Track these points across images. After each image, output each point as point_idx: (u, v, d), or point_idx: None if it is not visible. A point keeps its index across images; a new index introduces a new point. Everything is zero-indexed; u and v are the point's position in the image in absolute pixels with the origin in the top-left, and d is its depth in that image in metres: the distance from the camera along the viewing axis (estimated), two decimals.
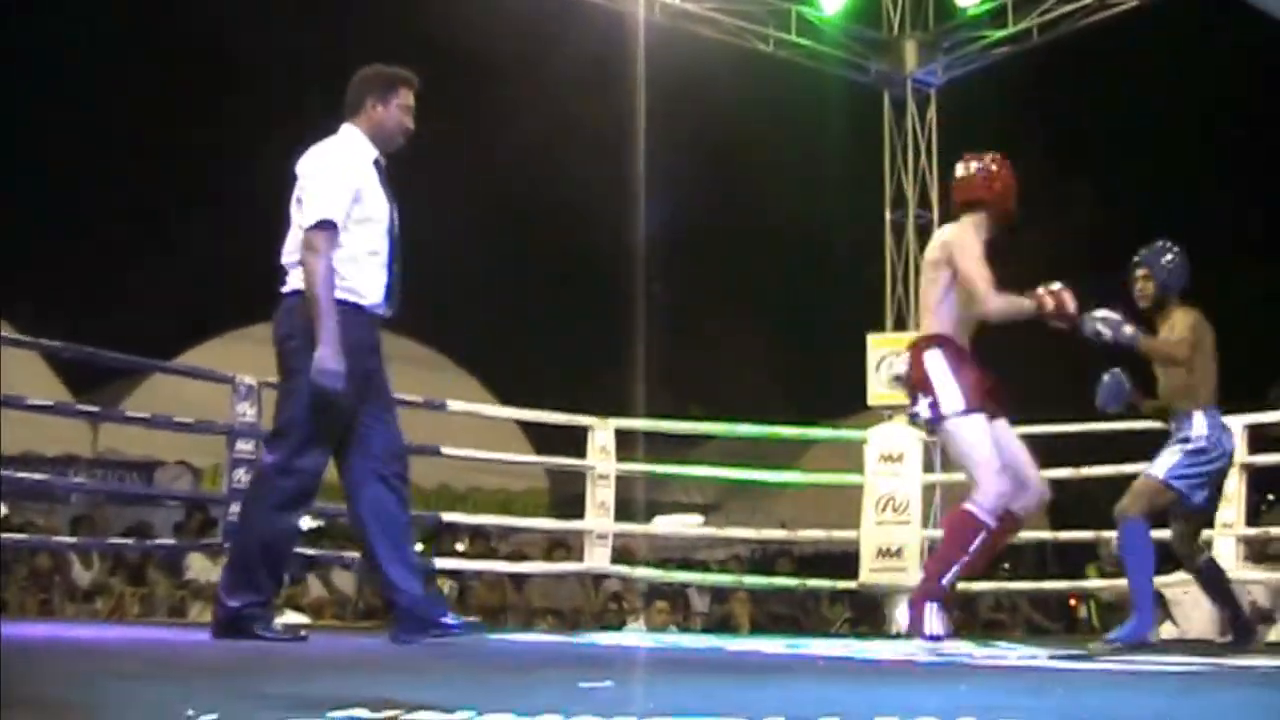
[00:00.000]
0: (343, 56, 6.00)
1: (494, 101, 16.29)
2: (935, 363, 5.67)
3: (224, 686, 2.99)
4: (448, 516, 9.63)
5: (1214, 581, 6.50)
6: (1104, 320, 5.94)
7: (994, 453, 5.57)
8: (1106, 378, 6.38)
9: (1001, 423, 5.74)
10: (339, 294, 4.83)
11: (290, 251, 4.95)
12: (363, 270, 4.91)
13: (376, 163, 5.04)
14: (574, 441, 8.92)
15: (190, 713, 2.19)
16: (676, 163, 15.12)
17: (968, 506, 5.58)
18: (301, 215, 4.89)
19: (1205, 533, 7.74)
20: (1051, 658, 5.08)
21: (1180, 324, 6.11)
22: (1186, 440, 6.06)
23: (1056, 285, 5.74)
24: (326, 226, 4.82)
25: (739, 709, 2.37)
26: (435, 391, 9.08)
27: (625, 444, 9.22)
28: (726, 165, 16.67)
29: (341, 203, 4.87)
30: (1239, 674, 3.96)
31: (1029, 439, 9.19)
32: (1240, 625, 6.47)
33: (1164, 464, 6.07)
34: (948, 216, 10.81)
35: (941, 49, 11.19)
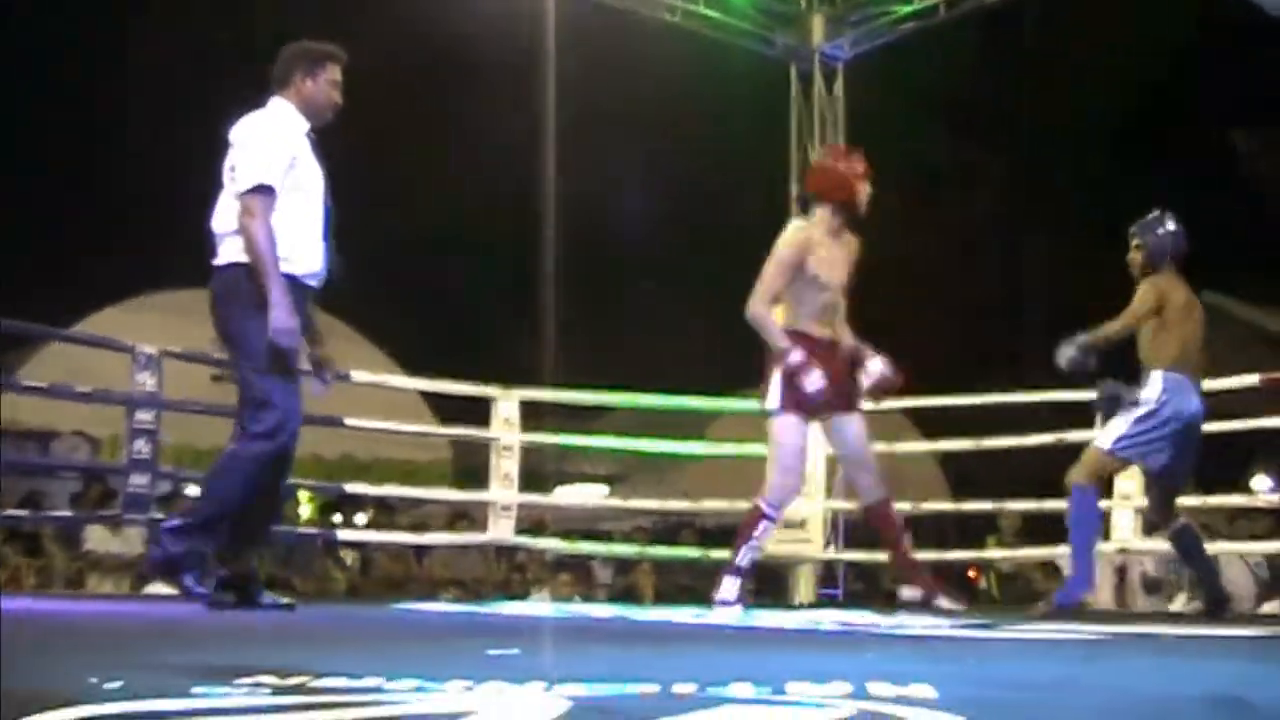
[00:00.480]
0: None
1: (397, 71, 16.12)
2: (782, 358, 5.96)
3: (127, 657, 2.94)
4: (350, 487, 9.54)
5: (1187, 549, 6.48)
6: (1064, 352, 6.17)
7: (793, 456, 6.06)
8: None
9: (843, 418, 6.06)
10: (288, 266, 4.86)
11: (224, 220, 4.94)
12: (296, 239, 4.90)
13: (308, 135, 5.05)
14: (479, 412, 8.87)
15: (93, 680, 2.15)
16: (584, 133, 15.07)
17: (758, 502, 6.13)
18: (236, 182, 4.88)
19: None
20: (955, 626, 5.13)
21: (1139, 292, 6.13)
22: (1137, 403, 6.06)
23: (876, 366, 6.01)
24: (263, 191, 4.82)
25: (651, 675, 2.37)
26: (339, 361, 8.95)
27: (531, 414, 9.19)
28: (634, 136, 16.64)
29: (277, 169, 4.87)
30: (1141, 641, 4.03)
31: (930, 411, 9.42)
32: (1213, 596, 6.39)
33: (1111, 432, 6.13)
34: None
35: (849, 23, 11.22)
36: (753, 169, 13.14)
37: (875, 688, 2.21)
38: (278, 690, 2.15)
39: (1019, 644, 3.80)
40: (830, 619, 5.94)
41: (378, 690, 2.18)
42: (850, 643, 4.04)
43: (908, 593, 6.28)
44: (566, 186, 12.89)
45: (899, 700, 2.09)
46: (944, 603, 6.15)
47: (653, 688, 2.24)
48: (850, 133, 11.18)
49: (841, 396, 5.99)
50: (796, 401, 5.91)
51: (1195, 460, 6.23)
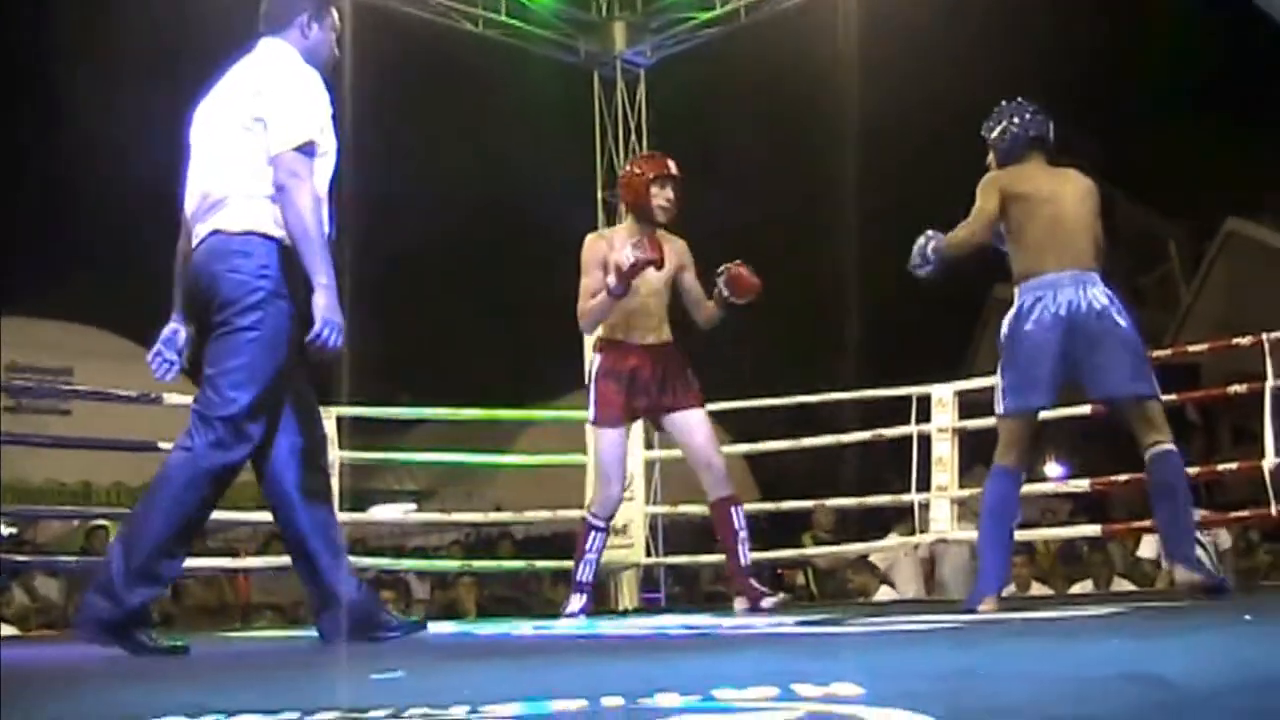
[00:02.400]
0: None
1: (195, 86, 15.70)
2: (592, 370, 6.20)
3: (31, 701, 2.77)
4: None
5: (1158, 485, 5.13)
6: (915, 249, 5.33)
7: (612, 465, 6.11)
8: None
9: (678, 416, 6.09)
10: (279, 233, 4.16)
11: (228, 179, 4.22)
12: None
13: None
14: None
15: None
16: (385, 145, 14.88)
17: (585, 515, 6.36)
18: (269, 136, 4.15)
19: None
20: (799, 624, 5.19)
21: (977, 193, 5.28)
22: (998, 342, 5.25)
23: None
24: (307, 150, 4.14)
25: (567, 691, 2.34)
26: (152, 385, 8.69)
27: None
28: (437, 147, 16.51)
29: (318, 124, 4.21)
30: (1002, 626, 4.12)
31: (747, 413, 9.52)
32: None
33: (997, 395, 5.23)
34: None
35: (650, 29, 11.30)
36: (560, 177, 13.15)
37: (801, 689, 2.21)
38: None
39: (889, 636, 3.86)
40: (674, 624, 5.95)
41: None
42: (723, 646, 4.05)
43: (739, 603, 6.18)
44: (368, 200, 12.71)
45: (829, 699, 2.10)
46: (767, 604, 6.09)
47: (580, 703, 2.22)
48: (653, 138, 11.26)
49: (672, 395, 6.06)
50: (610, 414, 6.05)
51: (1120, 360, 4.99)
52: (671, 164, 6.10)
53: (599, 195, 11.33)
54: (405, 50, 11.74)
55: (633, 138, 11.29)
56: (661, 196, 5.98)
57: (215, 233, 4.19)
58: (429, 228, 17.58)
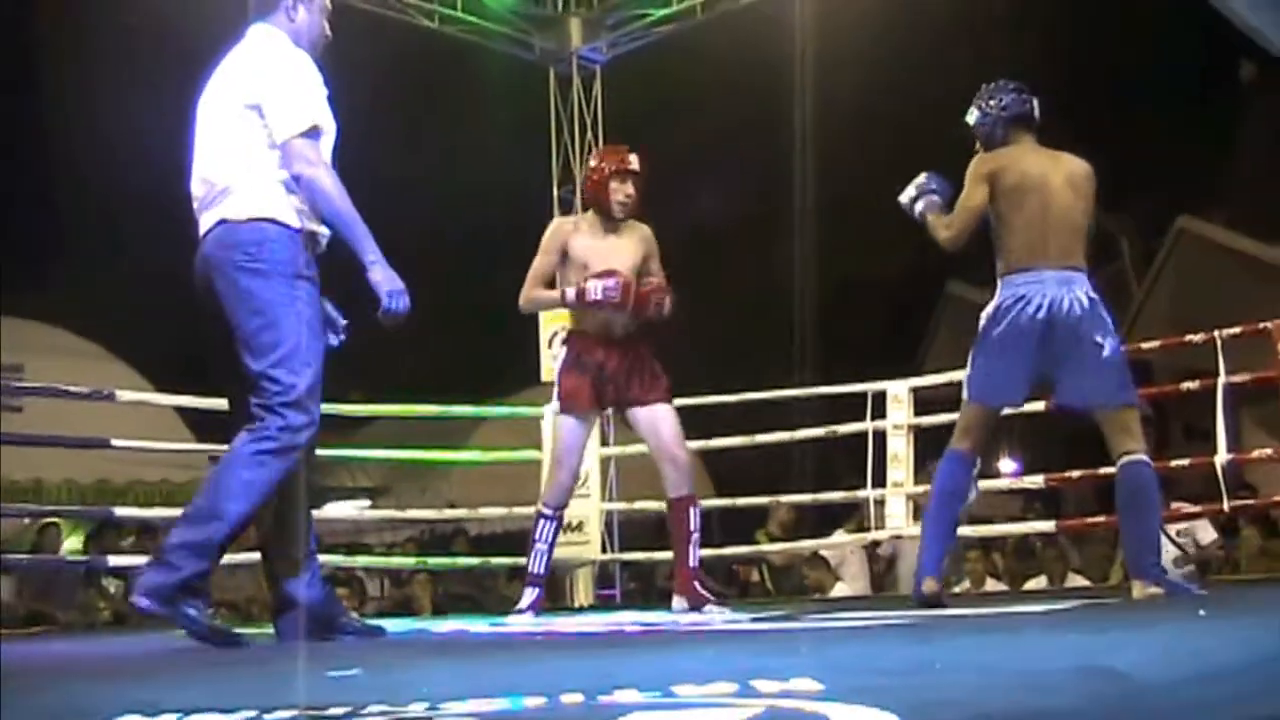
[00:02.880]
0: None
1: (135, 82, 15.58)
2: (558, 359, 6.22)
3: None
4: (120, 511, 9.22)
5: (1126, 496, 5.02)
6: (917, 187, 5.31)
7: (566, 453, 6.10)
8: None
9: (643, 410, 6.03)
10: (289, 218, 4.16)
11: (233, 170, 4.19)
12: None
13: None
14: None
15: None
16: (339, 142, 14.81)
17: (538, 506, 6.27)
18: (272, 124, 4.13)
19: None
20: (755, 620, 5.21)
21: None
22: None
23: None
24: (314, 134, 4.15)
25: (524, 688, 2.33)
26: (97, 382, 8.63)
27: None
28: (392, 143, 16.43)
29: (320, 107, 4.20)
30: (957, 622, 4.15)
31: (703, 409, 9.54)
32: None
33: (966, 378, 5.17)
34: None
35: (606, 26, 11.29)
36: (516, 174, 13.14)
37: (760, 684, 2.22)
38: None
39: (846, 632, 3.87)
40: (630, 620, 5.96)
41: None
42: (681, 642, 4.06)
43: (677, 602, 6.06)
44: None
45: (786, 694, 2.11)
46: (712, 609, 5.91)
47: (539, 699, 2.21)
48: (609, 135, 11.25)
49: (639, 389, 6.02)
50: (572, 402, 6.03)
51: (1100, 366, 4.91)
52: (633, 158, 6.03)
53: (555, 192, 11.32)
54: (361, 47, 11.67)
55: (588, 134, 11.29)
56: (621, 192, 5.94)
57: (222, 222, 4.17)
58: (383, 224, 17.48)
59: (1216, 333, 7.13)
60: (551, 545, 6.22)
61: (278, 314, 4.11)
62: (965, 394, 5.10)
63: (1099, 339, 4.88)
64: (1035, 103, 5.21)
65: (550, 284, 5.97)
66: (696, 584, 6.03)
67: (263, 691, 2.65)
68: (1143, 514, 4.91)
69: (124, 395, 8.26)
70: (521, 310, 6.18)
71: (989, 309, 5.02)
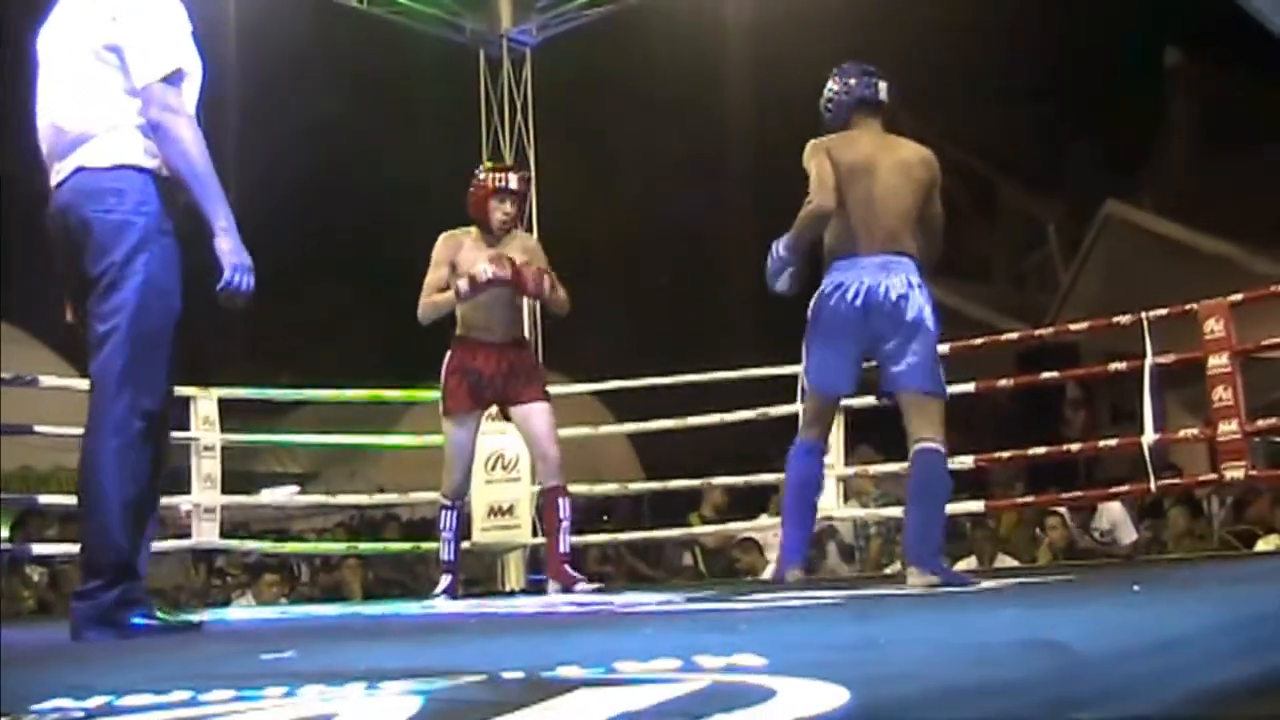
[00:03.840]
0: None
1: None
2: (445, 365, 6.65)
3: None
4: (45, 499, 9.06)
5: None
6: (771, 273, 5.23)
7: (455, 454, 6.61)
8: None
9: (522, 409, 6.56)
10: (154, 165, 3.86)
11: (89, 113, 3.88)
12: None
13: None
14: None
15: None
16: (267, 127, 14.65)
17: (439, 499, 6.81)
18: (133, 66, 3.83)
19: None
20: (690, 600, 5.20)
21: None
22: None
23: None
24: (176, 79, 3.83)
25: (465, 665, 2.30)
26: (19, 368, 8.48)
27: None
28: (320, 127, 16.28)
29: (185, 49, 3.90)
30: (898, 600, 4.15)
31: (634, 393, 9.52)
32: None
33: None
34: (542, 175, 10.99)
35: (536, 8, 11.20)
36: (444, 157, 13.03)
37: (703, 660, 2.19)
38: (93, 713, 2.00)
39: (785, 611, 3.85)
40: (562, 602, 5.97)
41: (194, 703, 2.04)
42: (618, 622, 4.03)
43: (551, 586, 6.53)
44: (246, 180, 12.50)
45: (731, 669, 2.08)
46: (580, 588, 6.55)
47: (480, 676, 2.18)
48: (540, 118, 11.19)
49: (516, 388, 6.51)
50: (453, 404, 6.54)
51: (908, 352, 4.89)
52: (513, 177, 6.52)
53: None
54: (285, 26, 11.55)
55: (519, 117, 11.21)
56: (500, 210, 6.39)
57: (80, 169, 3.87)
58: (309, 208, 17.37)
59: (1143, 315, 7.20)
60: (456, 532, 6.78)
61: (132, 274, 3.81)
62: (805, 384, 5.17)
63: (911, 323, 4.86)
64: (882, 85, 5.17)
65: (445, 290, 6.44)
66: (566, 567, 6.63)
67: (196, 673, 2.60)
68: (929, 504, 4.91)
69: (47, 380, 8.13)
70: (422, 320, 6.57)
71: (815, 296, 5.02)
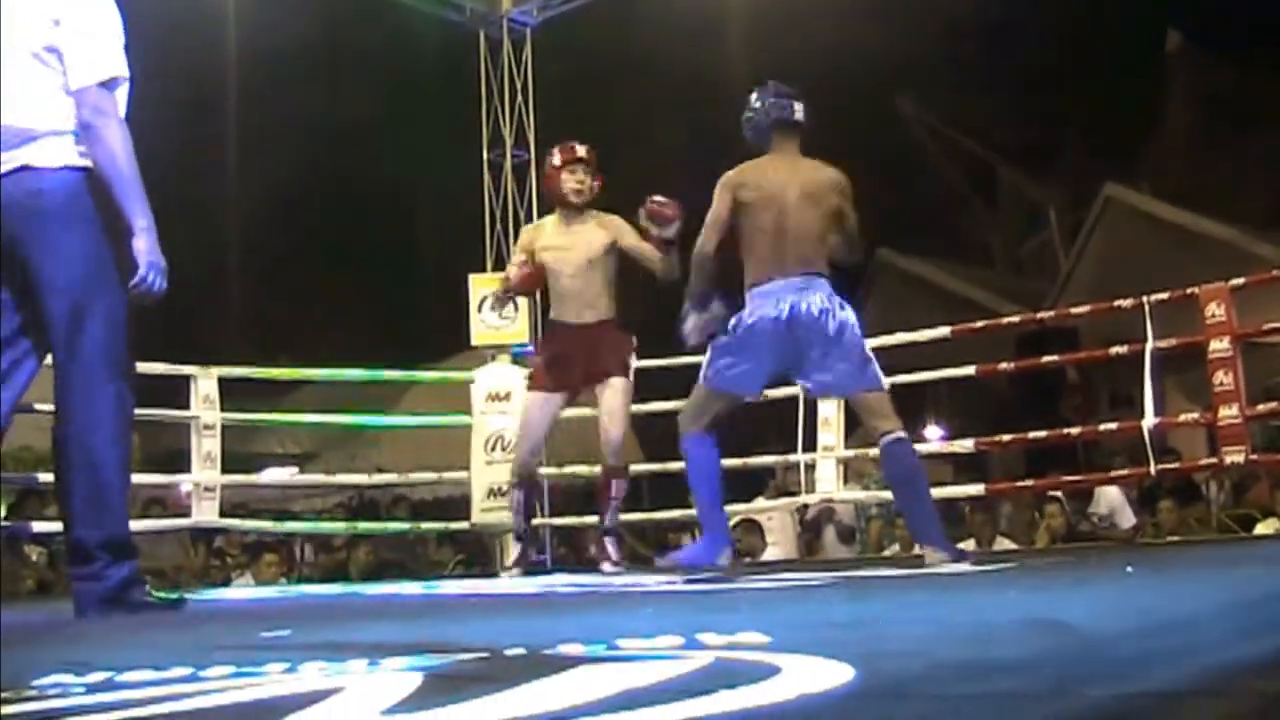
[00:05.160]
0: None
1: None
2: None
3: None
4: (45, 478, 9.02)
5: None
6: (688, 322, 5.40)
7: (524, 427, 6.83)
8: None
9: (600, 388, 6.61)
10: (88, 163, 3.97)
11: (33, 111, 3.97)
12: None
13: None
14: (168, 393, 8.48)
15: None
16: (265, 111, 14.64)
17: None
18: (70, 69, 3.95)
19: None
20: (690, 581, 5.20)
21: None
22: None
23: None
24: (112, 85, 3.97)
25: (469, 643, 2.30)
26: None
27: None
28: (318, 110, 16.25)
29: (120, 54, 4.01)
30: (895, 581, 4.15)
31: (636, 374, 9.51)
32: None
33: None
34: (542, 157, 10.98)
35: None
36: (446, 138, 13.02)
37: (706, 638, 2.19)
38: (93, 689, 1.99)
39: (786, 591, 3.86)
40: (562, 583, 5.98)
41: (194, 679, 2.04)
42: (619, 601, 4.04)
43: (607, 566, 6.61)
44: (249, 163, 12.51)
45: (734, 647, 2.08)
46: (606, 568, 6.70)
47: (481, 653, 2.18)
48: (540, 98, 11.17)
49: (596, 367, 6.56)
50: (537, 381, 6.72)
51: (839, 359, 5.10)
52: (579, 147, 6.56)
53: (485, 156, 11.22)
54: (284, 6, 11.53)
55: (519, 98, 11.18)
56: (572, 180, 6.46)
57: (26, 168, 3.97)
58: (312, 189, 17.34)
59: (1144, 299, 7.19)
60: (522, 507, 6.95)
61: (104, 258, 3.97)
62: (701, 378, 5.32)
63: (836, 333, 5.06)
64: (798, 107, 5.30)
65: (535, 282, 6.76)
66: (606, 542, 6.78)
67: (195, 651, 2.60)
68: (916, 488, 5.13)
69: (48, 359, 8.10)
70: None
71: (734, 320, 5.19)
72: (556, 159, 6.58)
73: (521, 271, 6.62)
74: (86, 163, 3.97)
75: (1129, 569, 3.87)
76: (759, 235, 5.12)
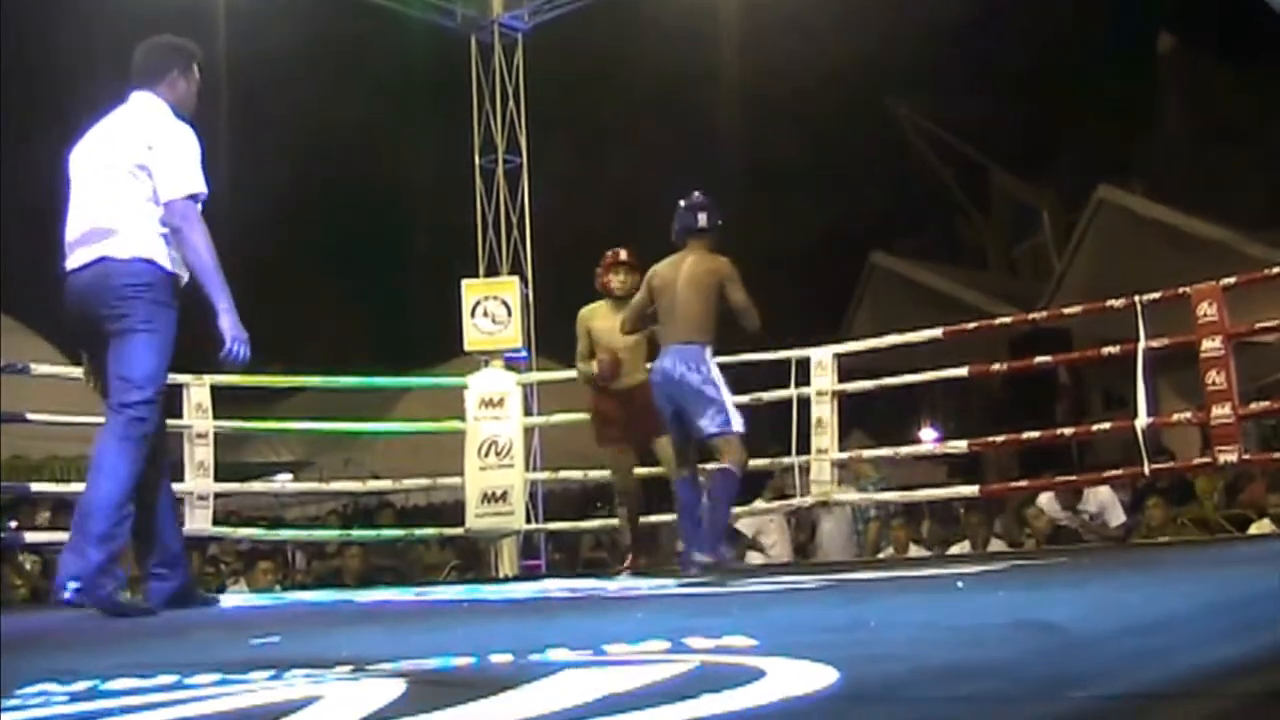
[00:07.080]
0: None
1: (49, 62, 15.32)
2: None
3: None
4: (36, 487, 9.01)
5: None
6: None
7: (615, 475, 7.70)
8: None
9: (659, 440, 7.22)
10: (163, 260, 4.75)
11: (116, 213, 4.77)
12: None
13: None
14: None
15: None
16: (256, 116, 14.61)
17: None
18: (160, 184, 4.75)
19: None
20: (680, 586, 5.20)
21: None
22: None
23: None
24: (198, 199, 4.78)
25: (457, 649, 2.29)
26: (11, 356, 8.46)
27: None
28: (310, 113, 16.22)
29: (201, 175, 4.83)
30: (867, 585, 4.14)
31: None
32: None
33: None
34: (534, 161, 10.98)
35: None
36: (438, 144, 13.01)
37: (693, 642, 2.19)
38: (76, 698, 1.99)
39: (774, 594, 3.85)
40: (556, 588, 5.97)
41: (179, 687, 2.03)
42: (609, 606, 4.03)
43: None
44: (240, 169, 12.48)
45: (721, 651, 2.08)
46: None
47: (468, 659, 2.17)
48: (531, 104, 11.17)
49: (649, 426, 7.12)
50: (599, 436, 7.59)
51: (695, 411, 6.42)
52: (622, 252, 7.63)
53: (476, 161, 11.22)
54: (276, 11, 11.51)
55: (510, 103, 11.19)
56: (615, 279, 7.55)
57: (105, 259, 4.74)
58: (304, 195, 17.31)
59: (1137, 298, 7.18)
60: (627, 516, 7.70)
61: (156, 316, 4.72)
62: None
63: (692, 390, 6.41)
64: (702, 216, 6.70)
65: (591, 356, 7.55)
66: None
67: (182, 658, 2.59)
68: (717, 510, 6.50)
69: (39, 369, 8.11)
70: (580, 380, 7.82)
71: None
72: (605, 260, 7.62)
73: (612, 365, 7.41)
74: (153, 255, 4.73)
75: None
76: (661, 313, 6.66)
